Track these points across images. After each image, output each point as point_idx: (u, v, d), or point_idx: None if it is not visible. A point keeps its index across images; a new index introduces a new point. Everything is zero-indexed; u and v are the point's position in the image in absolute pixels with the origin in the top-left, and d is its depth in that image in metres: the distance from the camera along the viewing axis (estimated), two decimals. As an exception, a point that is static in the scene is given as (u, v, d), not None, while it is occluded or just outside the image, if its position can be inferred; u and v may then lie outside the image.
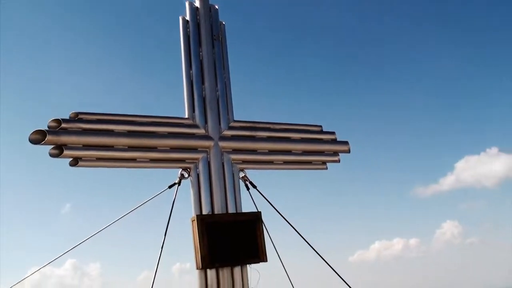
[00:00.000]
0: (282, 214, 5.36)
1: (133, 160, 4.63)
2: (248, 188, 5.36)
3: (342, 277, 5.47)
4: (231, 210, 4.82)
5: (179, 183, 4.95)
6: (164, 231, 4.80)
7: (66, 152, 4.23)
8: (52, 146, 4.23)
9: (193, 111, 5.02)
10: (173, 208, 4.90)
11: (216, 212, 4.72)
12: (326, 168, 5.72)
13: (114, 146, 4.50)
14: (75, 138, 4.30)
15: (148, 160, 4.70)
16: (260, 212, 5.02)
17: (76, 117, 4.38)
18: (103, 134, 4.47)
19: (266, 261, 4.80)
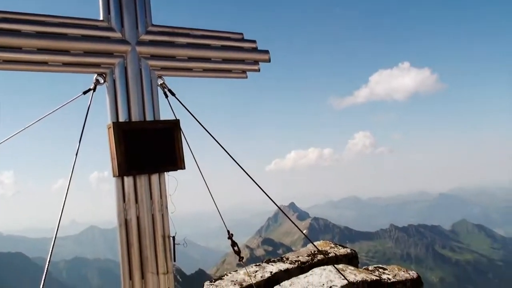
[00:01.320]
0: (201, 122, 5.36)
1: (44, 63, 4.35)
2: (166, 96, 5.26)
3: (259, 185, 5.66)
4: (149, 117, 4.73)
5: (94, 89, 4.76)
6: (79, 138, 4.68)
7: (-33, 52, 3.91)
8: (-49, 46, 3.89)
9: (108, 13, 4.71)
10: (88, 115, 4.75)
11: (133, 119, 4.61)
12: (246, 77, 5.70)
13: (22, 48, 4.19)
14: (-23, 37, 3.96)
15: (60, 64, 4.43)
16: (178, 120, 4.97)
17: (-23, 15, 4.01)
18: (9, 34, 4.12)
19: (184, 168, 4.83)
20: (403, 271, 11.58)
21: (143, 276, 4.48)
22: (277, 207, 6.21)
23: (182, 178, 4.85)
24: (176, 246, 4.78)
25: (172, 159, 4.73)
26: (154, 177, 4.66)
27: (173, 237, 4.74)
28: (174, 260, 4.71)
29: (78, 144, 4.66)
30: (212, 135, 5.44)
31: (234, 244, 7.94)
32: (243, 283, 9.42)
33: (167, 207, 4.73)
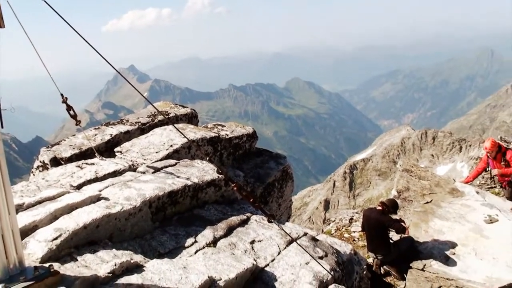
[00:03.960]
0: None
1: None
2: None
3: (93, 46, 5.38)
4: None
5: None
6: None
7: None
8: None
9: None
10: None
11: None
12: None
13: None
14: None
15: None
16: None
17: None
18: None
19: (3, 27, 4.36)
20: (240, 127, 12.33)
21: (-33, 146, 4.18)
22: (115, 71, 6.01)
23: (3, 38, 4.39)
24: (2, 111, 4.45)
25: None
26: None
27: (-2, 102, 4.38)
28: (2, 127, 4.42)
29: None
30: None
31: (69, 108, 7.67)
32: (82, 147, 9.30)
33: (-13, 70, 4.31)
